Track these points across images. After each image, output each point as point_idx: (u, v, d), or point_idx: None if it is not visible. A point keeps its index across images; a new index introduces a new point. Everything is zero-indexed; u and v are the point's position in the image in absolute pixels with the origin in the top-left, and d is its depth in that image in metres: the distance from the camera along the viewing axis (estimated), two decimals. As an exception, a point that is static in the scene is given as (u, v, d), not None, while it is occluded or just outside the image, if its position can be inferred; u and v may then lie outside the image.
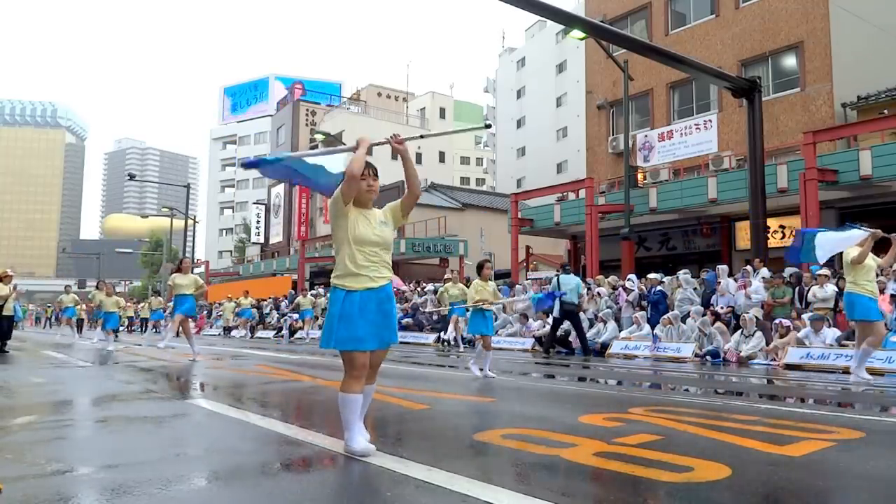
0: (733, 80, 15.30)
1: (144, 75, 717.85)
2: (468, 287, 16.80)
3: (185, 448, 3.88)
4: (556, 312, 12.63)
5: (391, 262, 3.61)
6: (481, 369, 7.99)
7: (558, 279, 12.78)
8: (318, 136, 40.62)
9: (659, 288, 13.28)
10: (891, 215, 16.83)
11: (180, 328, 11.47)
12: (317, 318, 22.53)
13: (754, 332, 10.85)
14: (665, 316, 12.28)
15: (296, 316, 23.36)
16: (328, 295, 3.59)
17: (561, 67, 40.14)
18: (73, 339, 20.14)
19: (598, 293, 14.59)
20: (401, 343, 17.57)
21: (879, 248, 7.97)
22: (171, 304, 13.30)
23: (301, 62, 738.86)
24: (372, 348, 3.43)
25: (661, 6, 24.38)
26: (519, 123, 43.65)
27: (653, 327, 12.32)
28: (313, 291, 25.21)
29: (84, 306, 22.98)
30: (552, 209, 23.71)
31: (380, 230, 3.54)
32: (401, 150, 3.80)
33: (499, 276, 21.39)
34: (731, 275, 13.35)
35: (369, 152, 3.57)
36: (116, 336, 19.93)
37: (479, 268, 8.46)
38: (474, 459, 3.42)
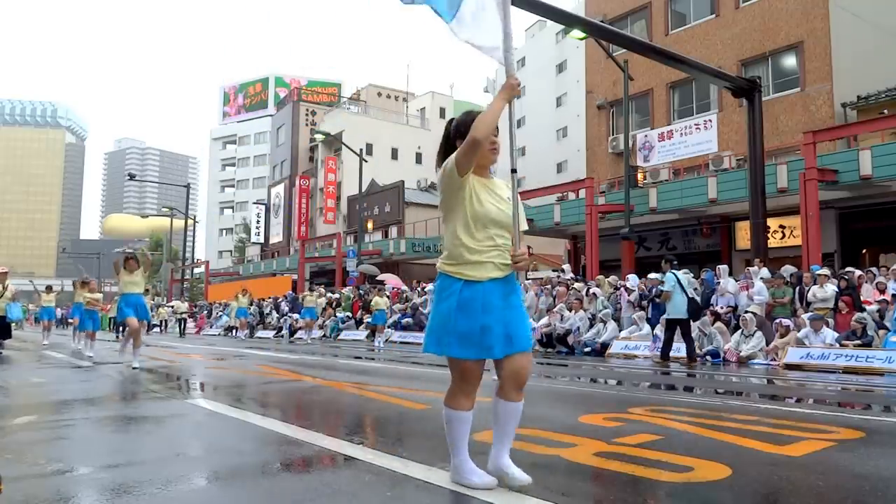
0: (733, 79, 15.30)
1: (144, 75, 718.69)
2: None
3: (185, 448, 3.88)
4: (676, 312, 10.59)
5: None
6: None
7: (675, 276, 10.73)
8: (318, 136, 40.64)
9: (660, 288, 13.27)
10: (891, 215, 16.84)
11: (130, 333, 9.40)
12: (317, 318, 22.49)
13: (754, 332, 10.85)
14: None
15: (296, 316, 23.29)
16: (435, 285, 2.79)
17: (561, 67, 40.16)
18: (45, 341, 17.48)
19: (595, 293, 14.59)
20: (401, 343, 17.60)
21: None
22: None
23: (301, 62, 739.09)
24: (499, 355, 2.66)
25: (661, 6, 24.38)
26: (519, 123, 43.63)
27: (653, 327, 12.32)
28: (319, 290, 24.91)
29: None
30: (552, 209, 23.70)
31: (507, 205, 2.76)
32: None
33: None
34: (730, 275, 13.35)
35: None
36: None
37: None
38: (474, 459, 3.41)
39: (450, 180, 2.67)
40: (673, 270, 10.81)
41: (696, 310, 10.77)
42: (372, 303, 17.63)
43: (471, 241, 2.67)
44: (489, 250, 2.68)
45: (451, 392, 2.76)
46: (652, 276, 13.76)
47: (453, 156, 2.65)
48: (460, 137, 2.69)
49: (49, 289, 19.15)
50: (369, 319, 18.96)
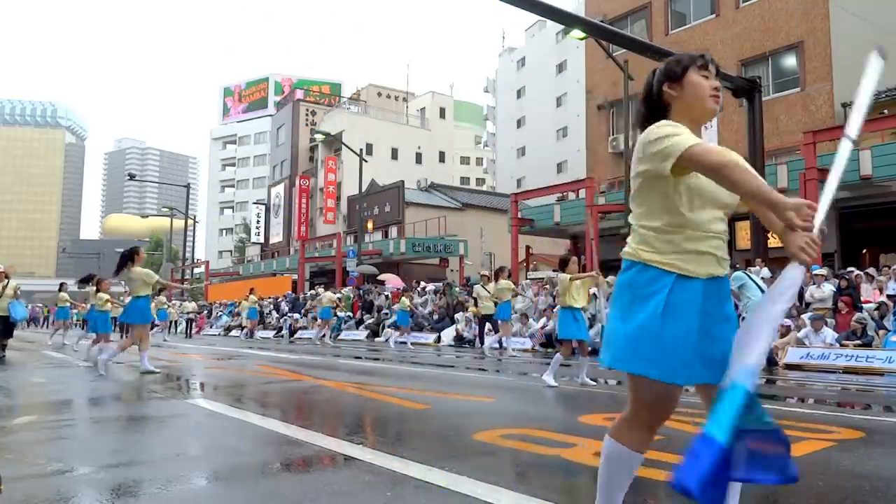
0: (733, 80, 15.31)
1: (144, 75, 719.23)
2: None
3: (185, 448, 3.88)
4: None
5: None
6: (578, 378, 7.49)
7: (747, 275, 10.04)
8: (318, 136, 40.62)
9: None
10: (891, 215, 16.85)
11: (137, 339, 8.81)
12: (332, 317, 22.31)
13: (754, 332, 10.83)
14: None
15: (296, 316, 23.26)
16: (623, 278, 2.01)
17: (561, 67, 40.14)
18: (60, 342, 17.21)
19: (595, 293, 14.57)
20: (401, 342, 17.58)
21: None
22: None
23: (301, 62, 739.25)
24: (711, 380, 1.94)
25: (661, 6, 24.38)
26: (519, 123, 43.65)
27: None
28: (336, 291, 24.61)
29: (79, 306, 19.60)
30: (552, 209, 23.70)
31: None
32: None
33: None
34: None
35: None
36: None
37: (564, 263, 8.13)
38: (474, 459, 3.41)
39: (659, 159, 1.88)
40: (742, 270, 10.38)
41: None
42: (398, 305, 17.46)
43: (690, 224, 1.92)
44: (711, 237, 1.95)
45: (628, 422, 2.05)
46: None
47: (685, 145, 1.82)
48: (669, 80, 2.09)
49: (63, 287, 18.76)
50: (394, 319, 18.59)
